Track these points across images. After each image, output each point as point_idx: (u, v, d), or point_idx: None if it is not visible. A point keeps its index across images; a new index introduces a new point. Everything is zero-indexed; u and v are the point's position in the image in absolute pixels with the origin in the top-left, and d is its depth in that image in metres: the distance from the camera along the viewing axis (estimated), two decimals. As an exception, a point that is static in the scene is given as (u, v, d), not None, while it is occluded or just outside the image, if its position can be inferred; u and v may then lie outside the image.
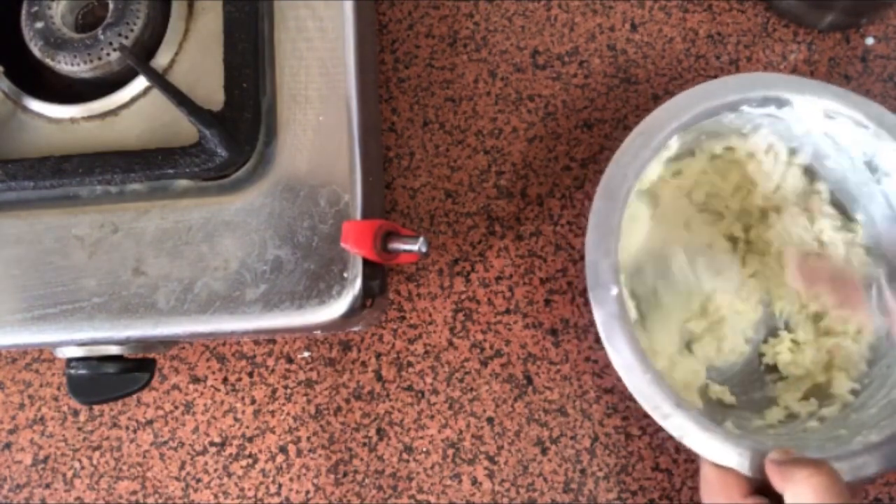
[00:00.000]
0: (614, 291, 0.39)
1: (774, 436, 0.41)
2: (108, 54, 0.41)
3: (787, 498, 0.35)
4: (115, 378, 0.40)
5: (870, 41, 0.49)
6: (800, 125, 0.43)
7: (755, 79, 0.42)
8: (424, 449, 0.46)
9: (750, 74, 0.42)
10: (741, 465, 0.37)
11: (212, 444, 0.47)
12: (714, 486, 0.37)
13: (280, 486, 0.47)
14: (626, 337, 0.38)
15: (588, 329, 0.47)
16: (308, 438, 0.47)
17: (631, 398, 0.38)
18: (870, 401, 0.41)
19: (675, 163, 0.45)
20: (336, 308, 0.38)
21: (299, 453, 0.47)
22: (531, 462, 0.46)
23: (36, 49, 0.41)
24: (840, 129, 0.42)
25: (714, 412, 0.42)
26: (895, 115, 0.41)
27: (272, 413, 0.47)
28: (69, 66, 0.41)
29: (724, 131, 0.44)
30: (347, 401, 0.47)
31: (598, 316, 0.39)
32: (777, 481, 0.35)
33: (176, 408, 0.48)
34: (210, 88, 0.40)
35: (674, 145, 0.42)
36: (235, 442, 0.47)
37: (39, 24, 0.42)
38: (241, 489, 0.47)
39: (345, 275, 0.38)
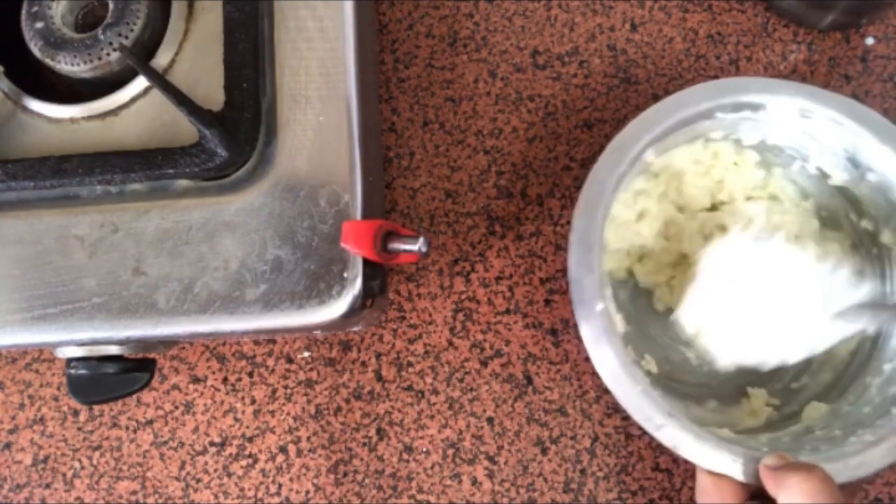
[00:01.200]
0: (599, 307, 0.39)
1: (770, 440, 0.41)
2: (108, 54, 0.41)
3: (779, 503, 0.35)
4: (115, 378, 0.40)
5: (870, 41, 0.49)
6: (777, 126, 0.43)
7: (726, 85, 0.42)
8: (424, 449, 0.46)
9: (721, 81, 0.42)
10: (735, 472, 0.37)
11: (212, 444, 0.47)
12: (710, 494, 0.37)
13: (280, 486, 0.47)
14: (614, 351, 0.38)
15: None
16: (308, 438, 0.47)
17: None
18: (863, 397, 0.41)
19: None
20: (336, 308, 0.38)
21: (299, 453, 0.47)
22: (531, 462, 0.46)
23: (36, 49, 0.41)
24: (818, 127, 0.42)
25: None
26: (871, 109, 0.41)
27: (272, 413, 0.47)
28: (69, 66, 0.41)
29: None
30: (347, 401, 0.47)
31: (585, 332, 0.39)
32: (771, 486, 0.35)
33: (176, 408, 0.48)
34: (210, 88, 0.40)
35: (650, 158, 0.42)
36: (235, 442, 0.47)
37: (39, 24, 0.42)
38: (241, 489, 0.47)
39: (345, 275, 0.38)
